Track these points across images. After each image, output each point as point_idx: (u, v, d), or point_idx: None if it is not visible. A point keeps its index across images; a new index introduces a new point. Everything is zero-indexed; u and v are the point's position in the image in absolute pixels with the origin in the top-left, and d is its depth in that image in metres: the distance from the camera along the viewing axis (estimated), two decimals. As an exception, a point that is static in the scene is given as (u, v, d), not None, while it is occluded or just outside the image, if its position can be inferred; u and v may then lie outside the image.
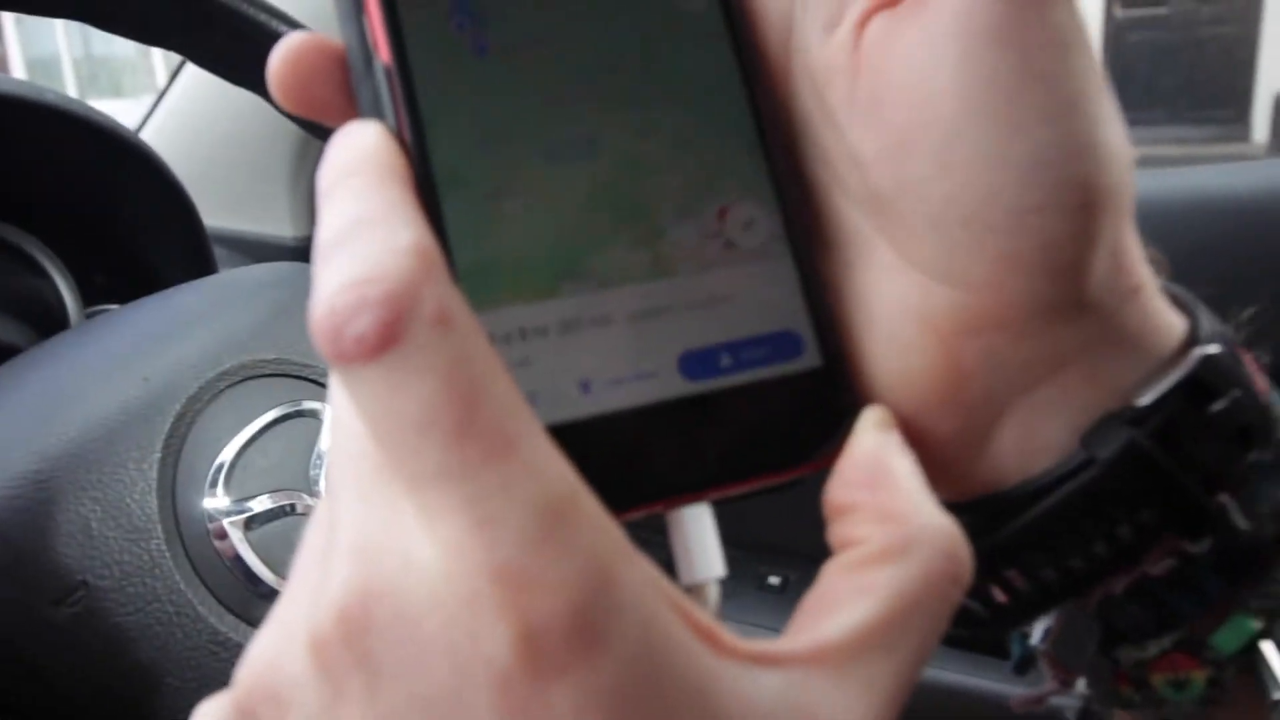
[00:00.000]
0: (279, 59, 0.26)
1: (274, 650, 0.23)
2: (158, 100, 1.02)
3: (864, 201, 0.27)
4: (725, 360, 0.26)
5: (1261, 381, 0.29)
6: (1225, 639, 0.31)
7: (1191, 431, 0.27)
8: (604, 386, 0.25)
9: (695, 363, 0.27)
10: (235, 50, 0.56)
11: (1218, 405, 0.28)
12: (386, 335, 0.18)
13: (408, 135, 0.24)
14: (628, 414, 0.25)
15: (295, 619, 0.22)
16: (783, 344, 0.27)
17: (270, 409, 0.48)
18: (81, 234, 0.76)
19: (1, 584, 0.40)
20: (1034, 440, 0.28)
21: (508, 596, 0.19)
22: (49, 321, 0.76)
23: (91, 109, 0.69)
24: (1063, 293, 0.26)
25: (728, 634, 0.22)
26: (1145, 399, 0.27)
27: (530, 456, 0.19)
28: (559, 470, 0.20)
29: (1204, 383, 0.27)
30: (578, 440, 0.23)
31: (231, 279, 0.58)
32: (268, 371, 0.49)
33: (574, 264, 0.26)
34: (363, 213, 0.20)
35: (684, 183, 0.27)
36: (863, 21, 0.27)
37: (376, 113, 0.24)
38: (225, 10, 0.53)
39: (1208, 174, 0.93)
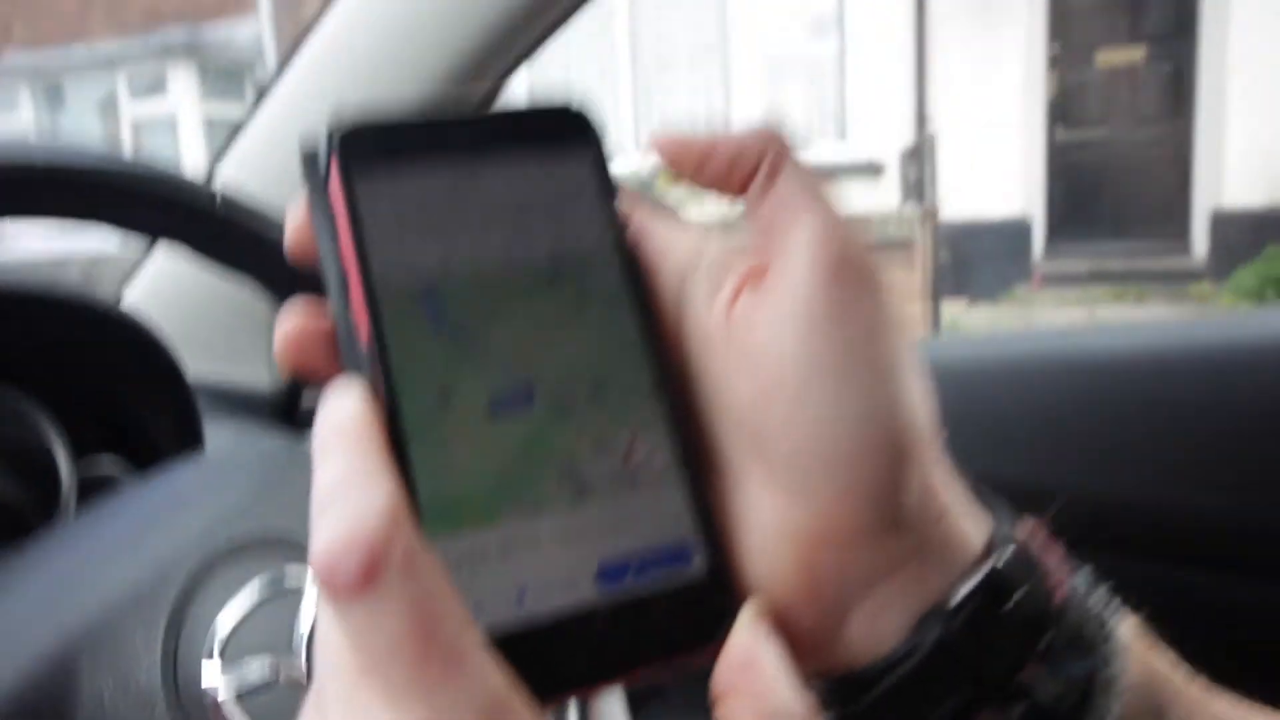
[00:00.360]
0: (282, 334, 0.32)
1: None
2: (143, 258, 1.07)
3: (740, 437, 0.32)
4: (632, 570, 0.31)
5: (1058, 571, 0.35)
6: None
7: (991, 623, 0.33)
8: (535, 595, 0.30)
9: (608, 573, 0.31)
10: (233, 251, 0.63)
11: (1009, 603, 0.33)
12: (366, 580, 0.24)
13: (382, 398, 0.29)
14: (554, 617, 0.30)
15: None
16: (678, 554, 0.32)
17: (258, 579, 0.52)
18: (74, 393, 0.79)
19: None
20: (878, 629, 0.32)
21: None
22: (41, 473, 0.79)
23: (96, 297, 0.74)
24: (885, 517, 0.31)
25: None
26: (954, 599, 0.32)
27: (476, 670, 0.25)
28: (497, 678, 0.25)
29: (997, 584, 0.33)
30: (514, 639, 0.28)
31: (221, 458, 0.61)
32: (256, 544, 0.53)
33: (512, 497, 0.30)
34: (347, 475, 0.26)
35: (598, 426, 0.32)
36: (733, 296, 0.32)
37: (357, 371, 0.30)
38: (227, 222, 0.59)
39: (1096, 335, 1.01)
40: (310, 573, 0.29)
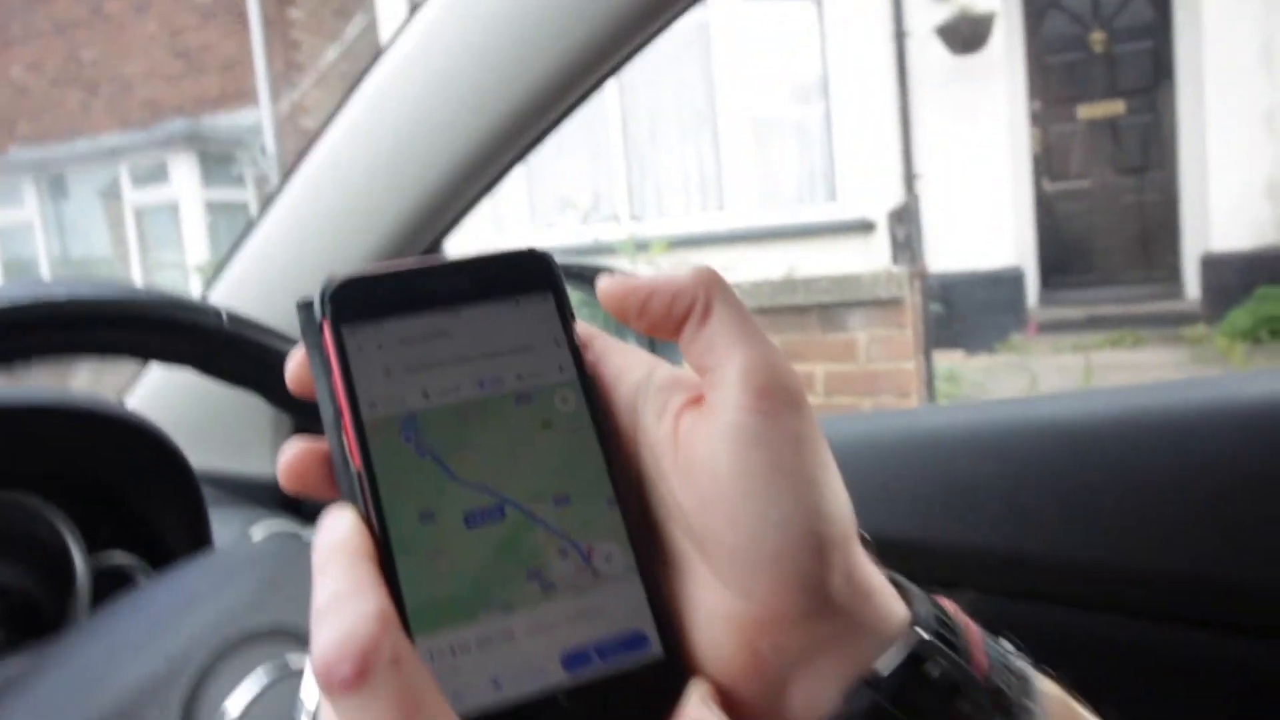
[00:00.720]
0: (285, 462, 0.36)
1: None
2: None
3: (688, 537, 0.36)
4: (594, 656, 0.34)
5: (976, 642, 0.38)
6: None
7: (917, 688, 0.36)
8: (508, 681, 0.33)
9: (573, 660, 0.35)
10: (242, 369, 0.68)
11: (934, 670, 0.36)
12: (358, 679, 0.27)
13: (372, 516, 0.32)
14: (526, 699, 0.33)
15: None
16: (635, 642, 0.35)
17: (263, 666, 0.55)
18: (87, 494, 0.81)
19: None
20: (815, 699, 0.35)
21: None
22: (56, 569, 0.80)
23: (104, 402, 0.77)
24: (815, 602, 0.34)
25: None
26: (882, 669, 0.35)
27: None
28: None
29: (921, 653, 0.36)
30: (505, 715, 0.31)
31: (230, 555, 0.65)
32: (262, 635, 0.56)
33: (487, 597, 0.34)
34: (342, 588, 0.30)
35: (562, 532, 0.35)
36: (678, 415, 0.36)
37: (351, 498, 0.34)
38: (231, 338, 0.64)
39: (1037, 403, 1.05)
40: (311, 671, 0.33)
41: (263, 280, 1.09)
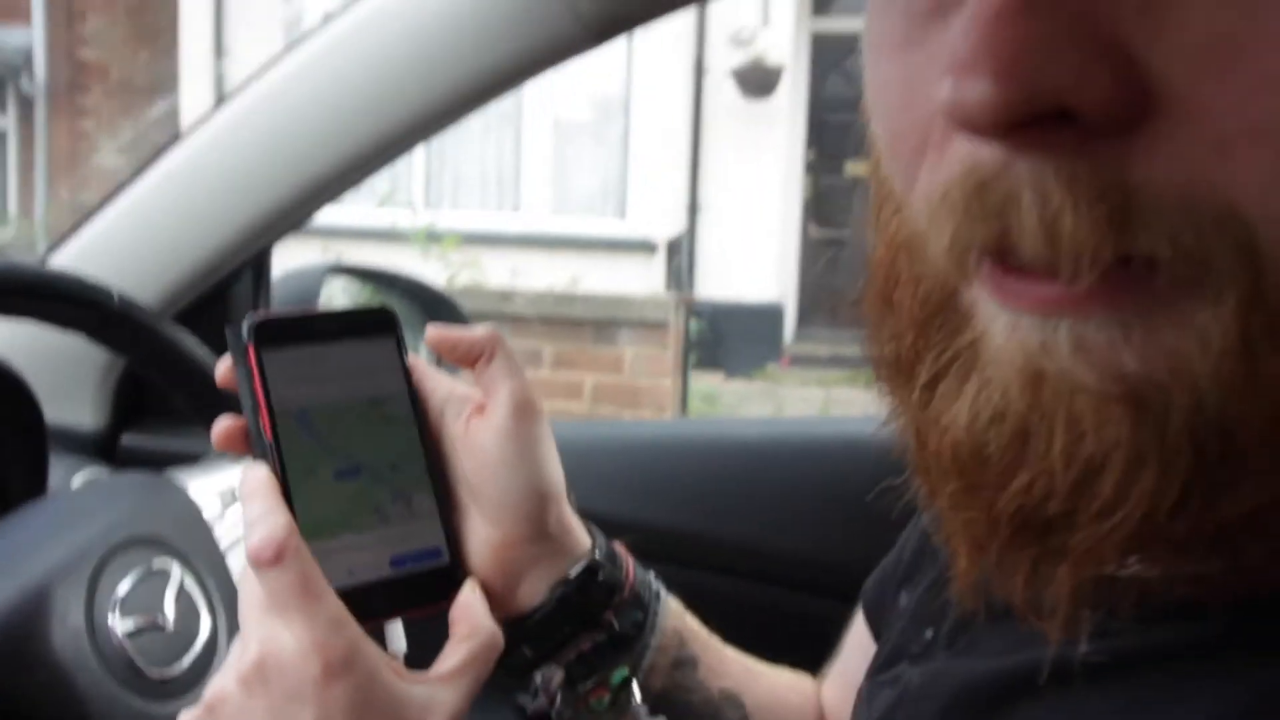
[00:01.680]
0: (219, 430, 0.51)
1: (221, 684, 0.46)
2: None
3: (468, 493, 0.52)
4: (409, 560, 0.50)
5: (629, 567, 0.57)
6: (615, 678, 0.57)
7: (589, 588, 0.54)
8: (358, 572, 0.48)
9: (397, 561, 0.50)
10: (118, 335, 0.79)
11: (599, 577, 0.54)
12: (277, 559, 0.42)
13: (278, 470, 0.47)
14: (368, 583, 0.48)
15: (231, 669, 0.45)
16: (434, 554, 0.51)
17: (140, 565, 0.67)
18: None
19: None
20: (534, 591, 0.53)
21: (317, 655, 0.43)
22: None
23: None
24: (536, 533, 0.52)
25: (407, 671, 0.47)
26: (570, 574, 0.53)
27: (329, 603, 0.44)
28: (337, 606, 0.44)
29: (593, 567, 0.54)
30: (346, 593, 0.45)
31: (107, 485, 0.77)
32: (138, 541, 0.68)
33: (346, 523, 0.49)
34: (265, 509, 0.45)
35: (393, 486, 0.50)
36: (468, 418, 0.52)
37: (264, 458, 0.48)
38: (119, 314, 0.75)
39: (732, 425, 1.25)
40: (244, 554, 0.48)
41: (107, 257, 1.10)
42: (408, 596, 0.52)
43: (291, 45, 1.07)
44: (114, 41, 8.42)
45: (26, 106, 8.26)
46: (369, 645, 0.46)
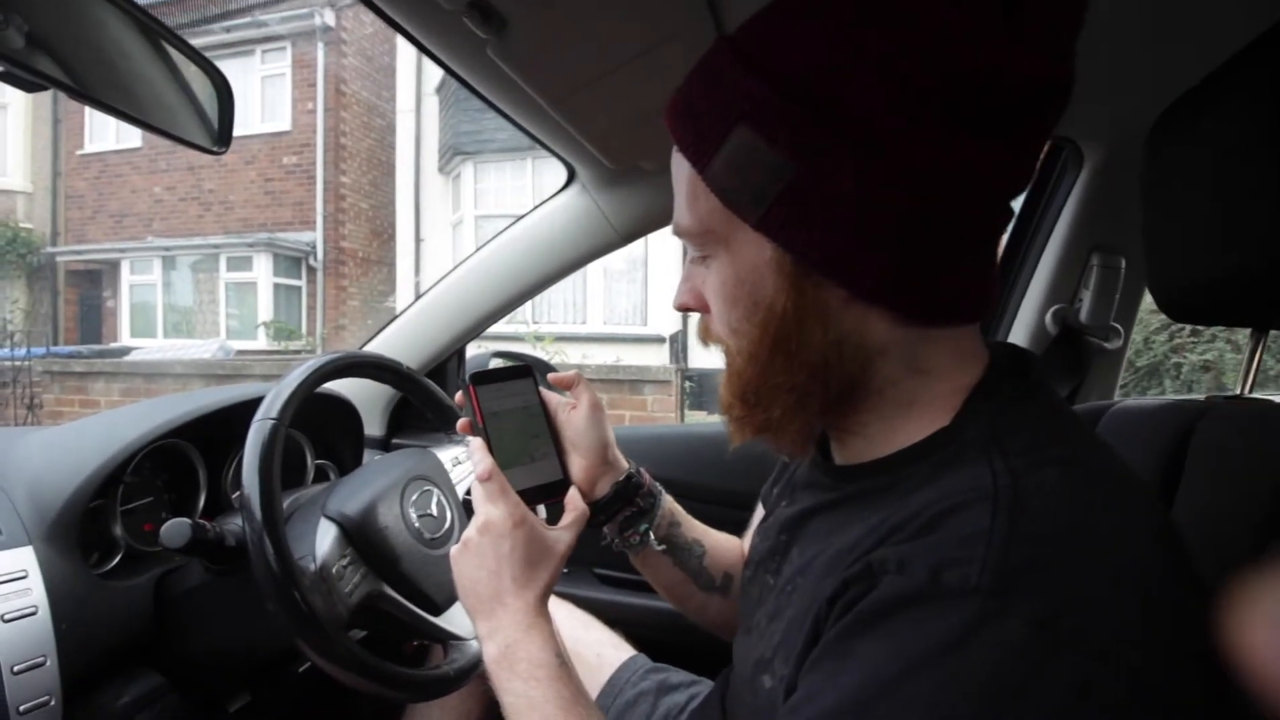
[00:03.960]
0: (460, 424, 0.55)
1: (467, 534, 0.50)
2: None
3: (572, 445, 0.57)
4: (542, 480, 0.53)
5: (648, 478, 0.62)
6: (640, 528, 0.60)
7: (630, 486, 0.60)
8: (523, 483, 0.51)
9: (539, 483, 0.52)
10: (404, 386, 0.86)
11: (635, 480, 0.60)
12: (486, 477, 0.50)
13: (485, 440, 0.52)
14: (527, 489, 0.51)
15: (471, 527, 0.50)
16: (557, 474, 0.55)
17: (421, 487, 0.71)
18: (317, 431, 0.90)
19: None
20: (603, 489, 0.58)
21: (508, 517, 0.50)
22: (298, 467, 0.88)
23: (336, 391, 0.86)
24: (602, 462, 0.58)
25: (547, 526, 0.51)
26: (620, 479, 0.58)
27: (510, 494, 0.50)
28: (516, 497, 0.50)
29: (633, 475, 0.60)
30: (519, 493, 0.50)
31: (402, 452, 0.77)
32: (419, 477, 0.72)
33: (515, 461, 0.53)
34: (480, 456, 0.51)
35: (535, 445, 0.55)
36: (569, 410, 0.57)
37: (480, 434, 0.52)
38: (405, 375, 0.83)
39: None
40: (472, 477, 0.50)
41: (394, 347, 1.15)
42: (545, 493, 0.55)
43: (480, 247, 1.12)
44: (360, 236, 8.64)
45: (311, 273, 8.37)
46: (530, 514, 0.50)
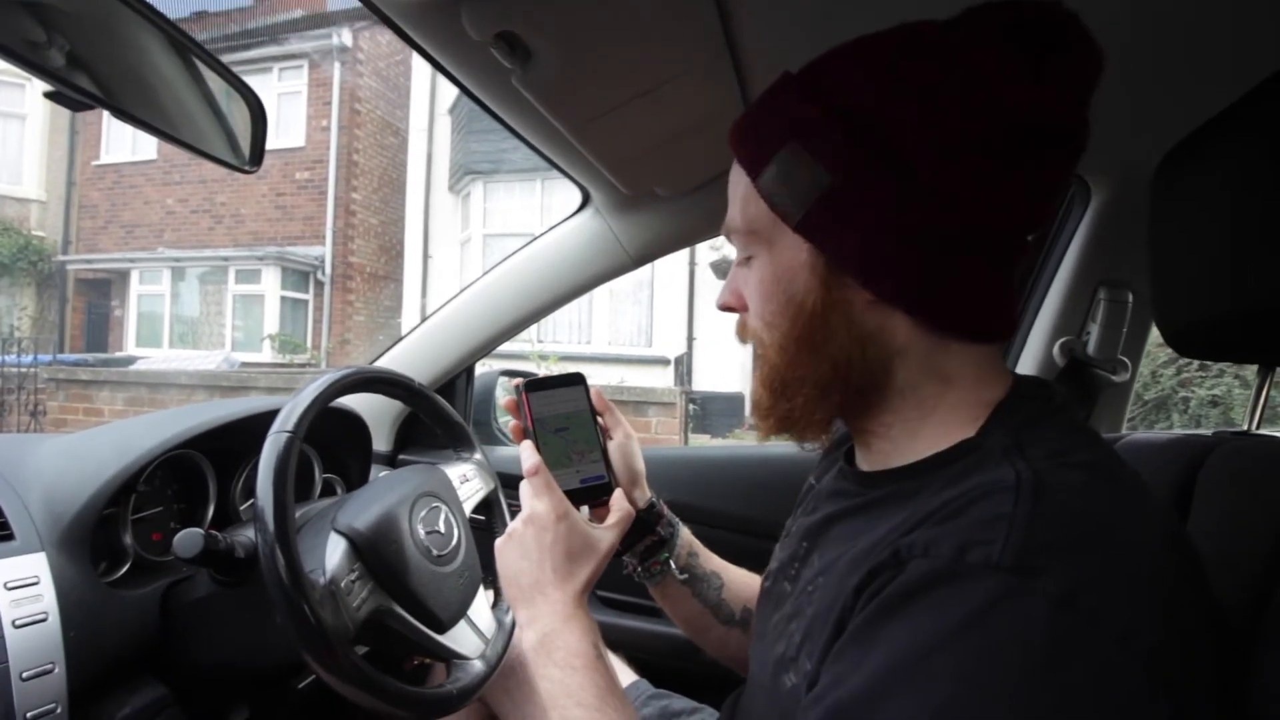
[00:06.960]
0: (512, 427, 0.55)
1: (514, 525, 0.50)
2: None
3: (615, 459, 0.58)
4: (590, 479, 0.53)
5: (663, 507, 0.63)
6: (661, 558, 0.61)
7: (649, 516, 0.61)
8: (569, 483, 0.52)
9: (585, 480, 0.52)
10: (415, 401, 0.86)
11: (655, 510, 0.61)
12: (533, 473, 0.51)
13: (535, 442, 0.53)
14: (572, 489, 0.51)
15: (518, 520, 0.50)
16: (601, 477, 0.55)
17: (429, 503, 0.71)
18: (325, 446, 0.90)
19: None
20: (640, 502, 0.60)
21: (553, 510, 0.50)
22: (306, 480, 0.88)
23: (348, 408, 0.87)
24: (637, 482, 0.60)
25: (590, 524, 0.51)
26: (645, 502, 0.59)
27: (556, 490, 0.51)
28: (560, 494, 0.51)
29: (650, 506, 0.61)
30: (565, 492, 0.50)
31: (411, 469, 0.76)
32: (426, 493, 0.71)
33: (562, 462, 0.53)
34: (529, 455, 0.52)
35: (582, 448, 0.55)
36: (613, 429, 0.59)
37: (530, 437, 0.53)
38: (416, 391, 0.82)
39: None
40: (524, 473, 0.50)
41: (405, 363, 1.15)
42: (590, 495, 0.56)
43: (493, 267, 1.12)
44: (368, 252, 8.70)
45: (319, 287, 8.40)
46: (573, 510, 0.51)
